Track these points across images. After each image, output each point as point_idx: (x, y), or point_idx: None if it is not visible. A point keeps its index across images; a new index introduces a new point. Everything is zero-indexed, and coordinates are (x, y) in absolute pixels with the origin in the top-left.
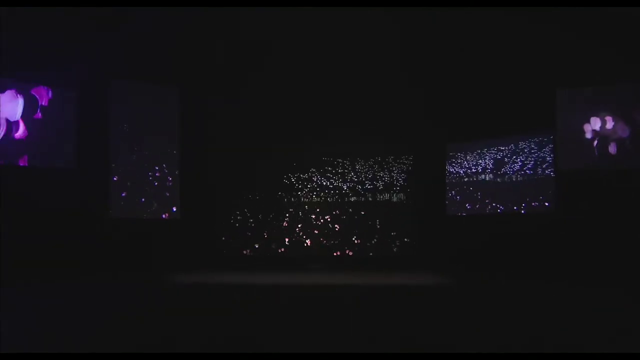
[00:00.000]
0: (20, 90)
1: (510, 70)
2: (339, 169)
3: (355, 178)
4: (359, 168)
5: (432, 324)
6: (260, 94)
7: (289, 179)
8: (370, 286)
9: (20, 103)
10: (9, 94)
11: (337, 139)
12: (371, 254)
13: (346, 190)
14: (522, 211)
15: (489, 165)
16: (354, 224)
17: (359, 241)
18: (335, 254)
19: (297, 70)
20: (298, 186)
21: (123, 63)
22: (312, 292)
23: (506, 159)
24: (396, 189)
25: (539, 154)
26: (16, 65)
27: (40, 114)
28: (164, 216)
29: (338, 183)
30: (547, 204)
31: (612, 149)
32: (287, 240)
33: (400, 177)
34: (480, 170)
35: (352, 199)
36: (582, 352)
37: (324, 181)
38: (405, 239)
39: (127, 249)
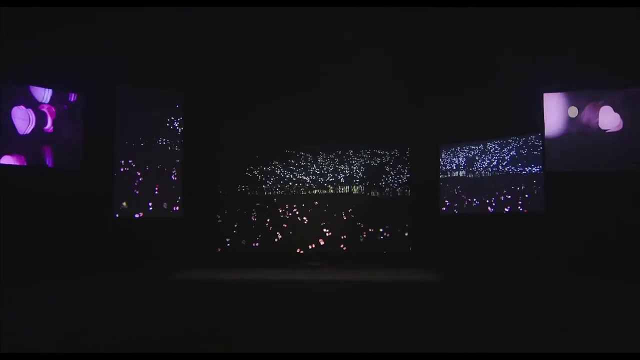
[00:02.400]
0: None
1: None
2: (301, 161)
3: (318, 171)
4: (321, 161)
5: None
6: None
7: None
8: (362, 283)
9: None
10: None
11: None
12: (344, 247)
13: (310, 182)
14: (506, 209)
15: (462, 163)
16: (324, 217)
17: (330, 234)
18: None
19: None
20: (261, 179)
21: (127, 68)
22: (303, 290)
23: (477, 158)
24: (355, 181)
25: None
26: (24, 70)
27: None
28: (136, 216)
29: (301, 176)
30: (522, 204)
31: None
32: (259, 236)
33: (360, 171)
34: (454, 168)
35: (316, 192)
36: (580, 352)
37: (288, 174)
38: (382, 230)
39: (129, 248)
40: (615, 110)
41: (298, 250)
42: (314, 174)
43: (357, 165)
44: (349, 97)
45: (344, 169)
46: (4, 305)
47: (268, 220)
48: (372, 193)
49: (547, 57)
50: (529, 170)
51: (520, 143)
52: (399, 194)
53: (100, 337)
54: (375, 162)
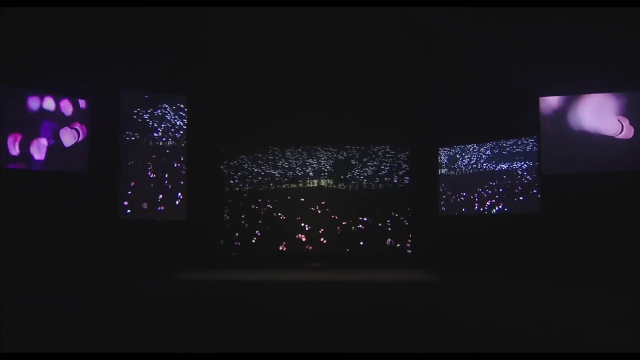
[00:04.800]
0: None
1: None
2: (269, 156)
3: (287, 165)
4: (289, 155)
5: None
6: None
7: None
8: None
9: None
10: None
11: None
12: (325, 241)
13: (279, 177)
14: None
15: (444, 161)
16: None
17: (308, 227)
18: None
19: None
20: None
21: (131, 73)
22: (301, 291)
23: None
24: (323, 174)
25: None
26: (29, 76)
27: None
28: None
29: (269, 170)
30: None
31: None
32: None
33: (328, 164)
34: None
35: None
36: (580, 352)
37: (255, 169)
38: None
39: (133, 249)
40: (617, 115)
41: (281, 248)
42: (283, 168)
43: (324, 158)
44: (346, 98)
45: (312, 163)
46: (11, 305)
47: (243, 216)
48: (341, 186)
49: (545, 59)
50: (524, 171)
51: (516, 145)
52: (391, 190)
53: (98, 337)
54: (368, 160)
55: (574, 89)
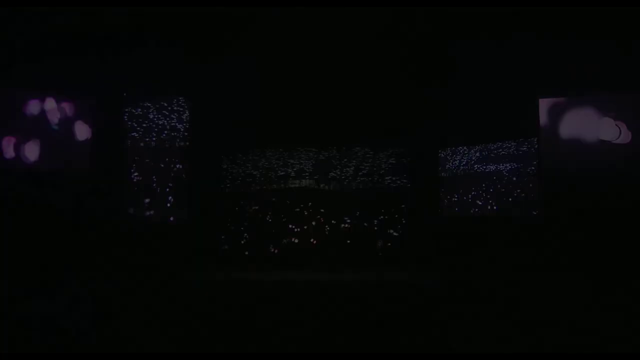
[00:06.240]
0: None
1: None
2: (250, 156)
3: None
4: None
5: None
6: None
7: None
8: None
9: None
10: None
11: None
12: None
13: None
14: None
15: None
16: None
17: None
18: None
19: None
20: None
21: (135, 75)
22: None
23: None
24: (305, 174)
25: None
26: (33, 77)
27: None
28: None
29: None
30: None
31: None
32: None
33: (310, 163)
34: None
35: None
36: (581, 353)
37: (236, 169)
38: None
39: (135, 249)
40: (616, 119)
41: (273, 250)
42: (263, 167)
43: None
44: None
45: (293, 163)
46: (10, 305)
47: (230, 218)
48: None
49: (544, 60)
50: (513, 173)
51: (501, 148)
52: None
53: (98, 338)
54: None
55: (573, 90)
